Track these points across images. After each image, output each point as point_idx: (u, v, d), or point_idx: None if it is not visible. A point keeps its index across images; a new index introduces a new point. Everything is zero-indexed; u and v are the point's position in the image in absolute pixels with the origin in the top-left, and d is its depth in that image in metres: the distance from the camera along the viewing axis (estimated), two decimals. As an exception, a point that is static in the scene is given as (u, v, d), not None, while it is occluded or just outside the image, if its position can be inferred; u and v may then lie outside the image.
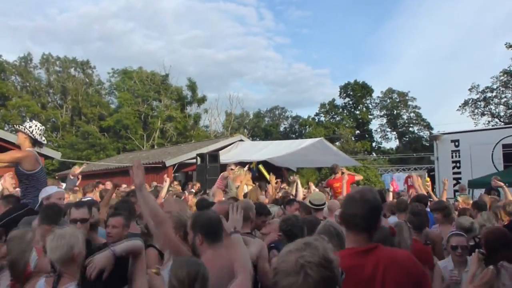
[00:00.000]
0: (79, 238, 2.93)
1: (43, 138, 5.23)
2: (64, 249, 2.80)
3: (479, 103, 43.95)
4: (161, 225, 2.99)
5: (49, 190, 4.49)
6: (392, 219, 5.46)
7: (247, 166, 11.45)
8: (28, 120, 5.29)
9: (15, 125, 5.49)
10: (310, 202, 5.90)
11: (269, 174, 10.16)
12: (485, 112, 43.82)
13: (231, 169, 9.45)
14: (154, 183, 12.55)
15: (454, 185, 14.04)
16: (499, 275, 3.30)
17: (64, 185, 10.27)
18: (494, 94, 42.63)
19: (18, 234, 3.19)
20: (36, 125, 5.17)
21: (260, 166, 12.16)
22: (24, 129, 5.08)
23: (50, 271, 3.02)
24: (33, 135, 5.08)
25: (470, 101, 44.23)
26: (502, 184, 7.42)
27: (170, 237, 2.97)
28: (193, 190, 11.01)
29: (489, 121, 42.80)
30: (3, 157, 5.12)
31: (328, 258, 1.56)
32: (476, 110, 44.25)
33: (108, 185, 9.04)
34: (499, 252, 3.37)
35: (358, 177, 9.98)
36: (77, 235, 2.96)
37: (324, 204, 5.84)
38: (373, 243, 2.17)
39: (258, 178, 11.00)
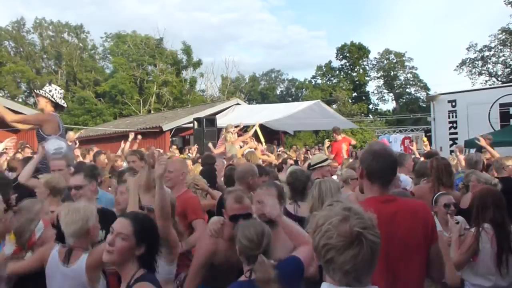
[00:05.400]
0: (93, 212, 3.00)
1: (63, 102, 5.26)
2: (79, 223, 2.86)
3: (476, 62, 43.54)
4: (164, 219, 3.00)
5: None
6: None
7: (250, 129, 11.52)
8: (47, 84, 5.33)
9: (35, 90, 5.50)
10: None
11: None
12: (483, 72, 43.52)
13: (229, 131, 9.52)
14: (152, 148, 12.55)
15: (451, 145, 14.12)
16: (479, 238, 3.42)
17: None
18: (492, 52, 42.18)
19: (26, 205, 3.24)
20: (55, 89, 5.20)
21: (258, 128, 12.17)
22: (45, 93, 5.11)
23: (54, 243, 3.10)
24: (54, 98, 5.11)
25: (467, 61, 43.80)
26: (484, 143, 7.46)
27: (167, 229, 3.02)
28: (190, 155, 11.02)
29: (486, 81, 42.59)
30: (28, 118, 5.38)
31: (372, 218, 1.53)
32: (473, 70, 43.91)
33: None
34: (489, 210, 3.46)
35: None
36: (91, 208, 3.03)
37: (322, 162, 5.84)
38: (393, 195, 2.43)
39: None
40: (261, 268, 2.37)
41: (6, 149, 7.44)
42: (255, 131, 11.53)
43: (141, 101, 42.01)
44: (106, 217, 3.52)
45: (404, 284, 2.23)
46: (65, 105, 5.32)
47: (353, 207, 1.55)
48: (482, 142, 7.36)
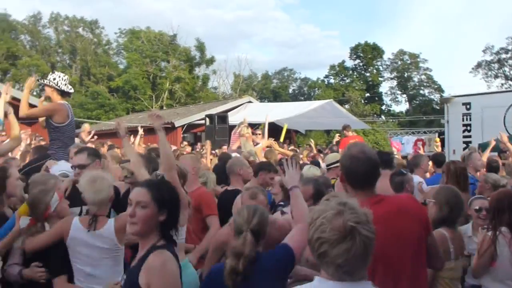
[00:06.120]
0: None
1: (69, 87, 5.28)
2: (106, 191, 3.02)
3: (493, 65, 43.07)
4: (170, 170, 3.22)
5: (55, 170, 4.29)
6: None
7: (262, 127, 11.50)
8: (51, 72, 5.43)
9: (39, 79, 5.57)
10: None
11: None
12: (499, 74, 43.04)
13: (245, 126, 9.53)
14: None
15: (464, 149, 13.94)
16: (496, 243, 3.32)
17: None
18: (509, 55, 41.68)
19: (39, 178, 3.28)
20: (59, 76, 5.22)
21: (285, 126, 12.27)
22: (49, 82, 5.15)
23: (67, 215, 3.20)
24: (58, 86, 5.14)
25: (483, 63, 43.33)
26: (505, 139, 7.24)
27: (175, 182, 3.13)
28: (205, 150, 10.97)
29: (502, 84, 42.14)
30: (36, 111, 5.37)
31: (368, 213, 1.55)
32: (489, 72, 43.47)
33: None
34: (506, 214, 3.38)
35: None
36: (110, 176, 3.27)
37: (337, 162, 5.82)
38: (379, 195, 2.36)
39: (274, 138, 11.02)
40: (241, 243, 2.38)
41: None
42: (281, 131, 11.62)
43: (153, 97, 42.20)
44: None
45: (408, 283, 2.23)
46: (71, 90, 5.30)
47: (349, 202, 1.57)
48: (504, 138, 7.17)
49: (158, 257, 2.13)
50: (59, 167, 4.11)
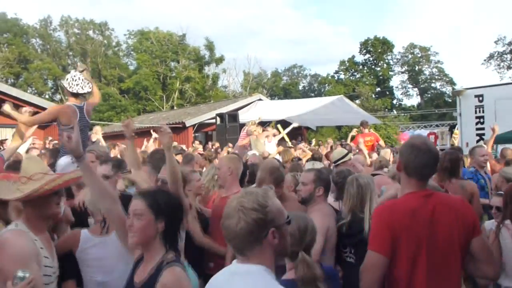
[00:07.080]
0: None
1: (86, 86, 5.14)
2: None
3: (505, 55, 42.40)
4: (175, 184, 3.16)
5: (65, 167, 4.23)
6: None
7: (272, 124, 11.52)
8: (70, 72, 5.31)
9: (61, 81, 5.54)
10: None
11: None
12: (512, 66, 42.39)
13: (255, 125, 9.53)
14: (175, 143, 12.71)
15: (477, 141, 13.79)
16: (499, 236, 3.26)
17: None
18: (521, 46, 41.04)
19: None
20: (71, 76, 5.13)
21: (279, 126, 12.18)
22: (63, 83, 5.17)
23: (72, 220, 3.29)
24: (69, 87, 5.06)
25: (495, 54, 42.70)
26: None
27: (179, 196, 3.08)
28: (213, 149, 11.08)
29: (515, 75, 41.46)
30: (42, 116, 5.33)
31: (261, 203, 1.71)
32: (502, 64, 42.80)
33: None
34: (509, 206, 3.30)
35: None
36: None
37: (344, 156, 5.80)
38: (430, 189, 2.41)
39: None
40: (303, 266, 2.24)
41: (34, 143, 7.62)
42: (277, 129, 11.57)
43: (164, 97, 42.42)
44: (126, 201, 3.61)
45: (443, 278, 2.28)
46: (82, 91, 5.11)
47: (253, 190, 1.80)
48: (496, 129, 7.23)
49: (172, 275, 2.12)
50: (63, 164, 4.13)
